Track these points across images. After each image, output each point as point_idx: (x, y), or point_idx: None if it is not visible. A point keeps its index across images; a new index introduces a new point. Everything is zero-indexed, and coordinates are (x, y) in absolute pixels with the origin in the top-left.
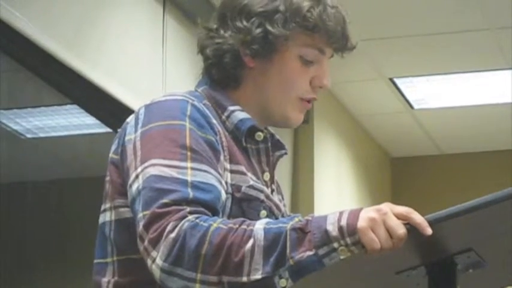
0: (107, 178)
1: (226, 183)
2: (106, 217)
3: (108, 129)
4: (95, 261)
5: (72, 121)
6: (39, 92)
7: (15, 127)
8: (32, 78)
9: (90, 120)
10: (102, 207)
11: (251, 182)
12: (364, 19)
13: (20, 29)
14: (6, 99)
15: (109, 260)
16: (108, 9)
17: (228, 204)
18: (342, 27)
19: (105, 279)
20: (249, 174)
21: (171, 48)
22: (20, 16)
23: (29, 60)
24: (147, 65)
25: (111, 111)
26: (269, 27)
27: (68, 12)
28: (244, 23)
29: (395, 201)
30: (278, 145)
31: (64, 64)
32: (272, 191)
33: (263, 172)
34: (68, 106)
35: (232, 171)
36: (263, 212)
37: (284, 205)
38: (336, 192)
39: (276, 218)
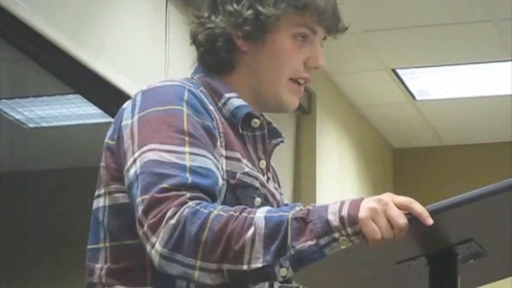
0: (102, 164)
1: (222, 169)
2: (100, 203)
3: (111, 119)
4: (88, 247)
5: (74, 111)
6: (42, 81)
7: (18, 116)
8: (34, 67)
9: (93, 109)
10: (96, 193)
11: (246, 169)
12: (367, 10)
13: (23, 18)
14: (8, 88)
15: (101, 245)
16: None
17: (223, 191)
18: (332, 6)
19: (98, 266)
20: (245, 161)
21: (173, 37)
22: (22, 5)
23: (31, 50)
24: (149, 55)
25: (114, 100)
26: (260, 8)
27: (70, 2)
28: (235, 6)
29: (397, 192)
30: (275, 133)
31: (67, 53)
32: (268, 179)
33: (259, 159)
34: (71, 95)
35: (227, 158)
36: (258, 200)
37: (281, 193)
38: (338, 182)
39: (271, 206)
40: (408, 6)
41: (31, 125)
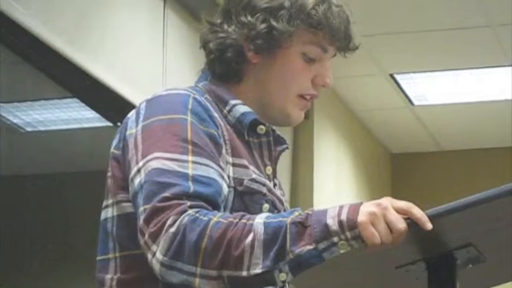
0: (109, 174)
1: (228, 176)
2: (108, 213)
3: (108, 123)
4: (98, 258)
5: (72, 115)
6: (39, 85)
7: (15, 120)
8: (32, 71)
9: (90, 114)
10: (104, 203)
11: (253, 176)
12: (365, 15)
13: (21, 22)
14: (6, 92)
15: (111, 256)
16: (110, 3)
17: (230, 198)
18: (345, 27)
19: (108, 276)
20: (252, 167)
21: (171, 42)
22: (21, 9)
23: (29, 54)
24: (147, 59)
25: (111, 105)
26: (274, 23)
27: (69, 6)
28: (249, 18)
29: (395, 197)
30: (279, 140)
31: (64, 57)
32: (275, 185)
33: (265, 166)
34: (68, 100)
35: (234, 165)
36: (265, 206)
37: (285, 200)
38: (335, 187)
39: (279, 212)
40: (407, 11)
41: (28, 129)
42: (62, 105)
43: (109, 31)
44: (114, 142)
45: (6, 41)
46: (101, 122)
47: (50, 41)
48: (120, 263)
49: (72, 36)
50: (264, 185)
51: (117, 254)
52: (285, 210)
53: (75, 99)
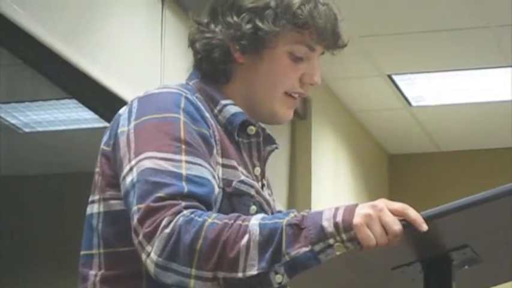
0: (97, 169)
1: (217, 177)
2: (94, 208)
3: (106, 124)
4: (82, 252)
5: (70, 115)
6: (38, 86)
7: (13, 121)
8: (30, 72)
9: (88, 114)
10: (91, 198)
11: (242, 177)
12: (363, 16)
13: (19, 23)
14: (4, 93)
15: (95, 251)
16: (107, 4)
17: (219, 198)
18: (332, 25)
19: (92, 272)
20: (240, 168)
21: (169, 43)
22: (19, 10)
23: (27, 55)
24: (145, 60)
25: (109, 105)
26: (259, 23)
27: (67, 7)
28: (235, 18)
29: (392, 198)
30: (269, 139)
31: (62, 58)
32: (262, 185)
33: (254, 167)
34: (66, 100)
35: (223, 166)
36: (253, 208)
37: (273, 200)
38: (333, 188)
39: (266, 214)
40: (405, 12)
41: (26, 130)
42: (60, 106)
43: (107, 32)
44: (105, 138)
45: (5, 43)
46: (99, 123)
47: (48, 42)
48: (104, 259)
49: (70, 37)
50: (252, 186)
51: (101, 251)
52: (272, 212)
53: (73, 100)
